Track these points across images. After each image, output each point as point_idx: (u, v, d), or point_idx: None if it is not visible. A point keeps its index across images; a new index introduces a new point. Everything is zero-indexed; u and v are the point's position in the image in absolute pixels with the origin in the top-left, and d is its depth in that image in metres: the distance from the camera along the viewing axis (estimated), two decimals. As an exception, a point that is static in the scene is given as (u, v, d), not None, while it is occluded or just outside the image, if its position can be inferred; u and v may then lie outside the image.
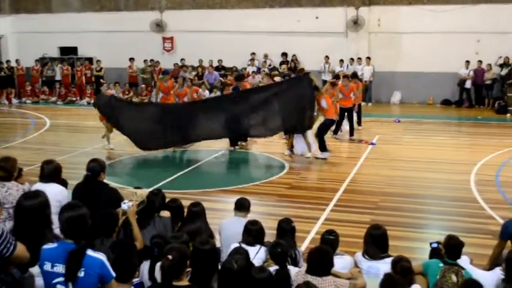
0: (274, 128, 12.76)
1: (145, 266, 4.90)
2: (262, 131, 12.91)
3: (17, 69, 25.69)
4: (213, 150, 13.89)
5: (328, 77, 20.76)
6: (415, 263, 5.14)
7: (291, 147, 13.21)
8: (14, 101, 24.24)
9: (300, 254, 5.68)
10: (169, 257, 3.95)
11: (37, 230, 4.03)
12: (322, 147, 12.79)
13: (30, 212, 4.09)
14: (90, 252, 3.71)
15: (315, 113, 12.84)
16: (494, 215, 8.90)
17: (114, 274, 3.77)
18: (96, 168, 6.12)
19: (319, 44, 22.90)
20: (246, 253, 4.86)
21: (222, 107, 12.76)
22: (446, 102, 22.22)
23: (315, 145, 12.82)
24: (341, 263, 5.25)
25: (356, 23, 22.65)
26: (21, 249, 3.56)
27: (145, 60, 24.55)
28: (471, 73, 21.42)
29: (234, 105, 12.78)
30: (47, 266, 3.68)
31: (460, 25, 21.14)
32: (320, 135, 12.75)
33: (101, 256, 3.71)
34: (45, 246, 3.76)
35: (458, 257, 5.16)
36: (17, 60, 25.81)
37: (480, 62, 21.23)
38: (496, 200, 9.74)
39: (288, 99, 12.32)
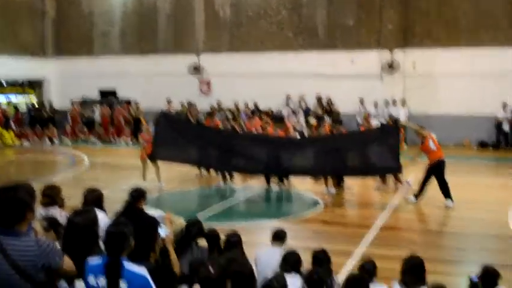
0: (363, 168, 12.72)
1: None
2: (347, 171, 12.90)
3: (58, 111, 26.47)
4: (250, 186, 14.20)
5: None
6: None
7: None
8: (55, 140, 24.87)
9: (335, 282, 5.65)
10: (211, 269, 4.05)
11: (86, 245, 4.17)
12: (448, 193, 11.96)
13: (80, 228, 4.24)
14: (136, 268, 3.83)
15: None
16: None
17: None
18: (136, 194, 6.30)
19: (354, 86, 23.04)
20: (284, 278, 4.88)
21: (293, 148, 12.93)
22: (483, 145, 21.99)
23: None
24: (378, 291, 5.22)
25: (391, 66, 22.78)
26: (67, 262, 3.68)
27: (182, 104, 25.01)
28: (509, 115, 21.27)
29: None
30: (91, 279, 3.82)
31: (496, 67, 21.10)
32: (442, 181, 12.05)
33: (146, 274, 3.83)
34: (89, 260, 3.90)
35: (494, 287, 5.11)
36: (56, 109, 26.59)
37: (517, 104, 21.11)
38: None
39: (376, 147, 12.58)
